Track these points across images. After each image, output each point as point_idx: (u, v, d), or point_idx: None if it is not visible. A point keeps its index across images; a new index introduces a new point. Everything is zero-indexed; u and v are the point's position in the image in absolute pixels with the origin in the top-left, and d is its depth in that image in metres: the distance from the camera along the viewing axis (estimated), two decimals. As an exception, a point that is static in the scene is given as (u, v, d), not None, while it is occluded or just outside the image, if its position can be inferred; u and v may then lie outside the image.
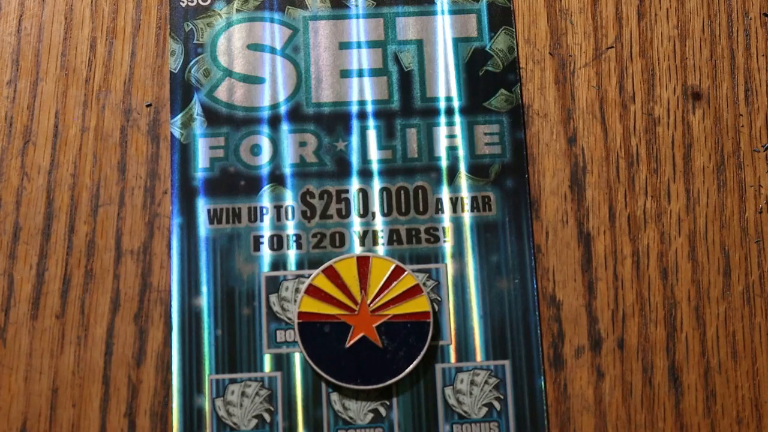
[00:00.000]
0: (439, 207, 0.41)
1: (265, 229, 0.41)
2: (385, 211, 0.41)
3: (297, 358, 0.39)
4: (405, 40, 0.43)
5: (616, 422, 0.39)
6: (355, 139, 0.42)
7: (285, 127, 0.42)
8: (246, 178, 0.41)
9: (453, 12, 0.43)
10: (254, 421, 0.39)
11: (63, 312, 0.40)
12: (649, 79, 0.43)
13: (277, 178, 0.41)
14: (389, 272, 0.40)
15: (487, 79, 0.42)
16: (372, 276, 0.40)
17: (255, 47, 0.43)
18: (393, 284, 0.40)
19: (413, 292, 0.40)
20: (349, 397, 0.39)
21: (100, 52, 0.42)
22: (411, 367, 0.39)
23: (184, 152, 0.41)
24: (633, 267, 0.41)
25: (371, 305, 0.39)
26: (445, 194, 0.41)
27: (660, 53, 0.43)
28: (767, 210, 0.42)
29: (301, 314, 0.39)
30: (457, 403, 0.39)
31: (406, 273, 0.40)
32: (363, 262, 0.40)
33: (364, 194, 0.41)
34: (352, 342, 0.39)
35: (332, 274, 0.40)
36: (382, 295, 0.40)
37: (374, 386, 0.39)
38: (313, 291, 0.40)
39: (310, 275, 0.40)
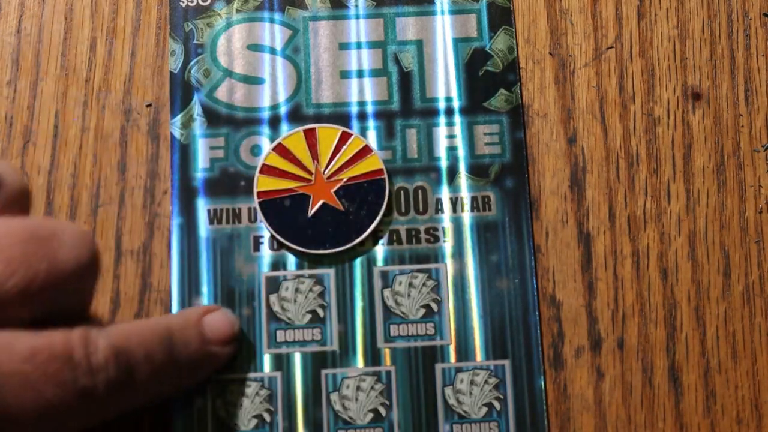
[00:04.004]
0: (439, 207, 0.41)
1: (265, 230, 0.40)
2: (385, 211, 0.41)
3: (297, 358, 0.39)
4: (405, 40, 0.43)
5: (616, 422, 0.39)
6: (355, 139, 0.42)
7: (285, 127, 0.42)
8: (246, 179, 0.41)
9: (453, 12, 0.43)
10: (254, 421, 0.39)
11: (63, 312, 0.40)
12: (649, 79, 0.43)
13: (277, 178, 0.41)
14: (337, 138, 0.41)
15: (487, 79, 0.42)
16: (321, 145, 0.41)
17: (255, 47, 0.43)
18: (342, 149, 0.41)
19: (363, 152, 0.41)
20: (349, 398, 0.39)
21: (100, 52, 0.42)
22: (374, 224, 0.40)
23: (184, 152, 0.41)
24: (633, 267, 0.41)
25: (325, 172, 0.40)
26: (445, 194, 0.41)
27: (660, 53, 0.43)
28: (767, 210, 0.42)
29: (260, 194, 0.40)
30: (457, 403, 0.39)
31: (353, 136, 0.41)
32: (310, 134, 0.41)
33: (364, 194, 0.41)
34: (313, 210, 0.40)
35: (282, 151, 0.41)
36: (334, 161, 0.41)
37: (343, 248, 0.40)
38: (267, 170, 0.41)
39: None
